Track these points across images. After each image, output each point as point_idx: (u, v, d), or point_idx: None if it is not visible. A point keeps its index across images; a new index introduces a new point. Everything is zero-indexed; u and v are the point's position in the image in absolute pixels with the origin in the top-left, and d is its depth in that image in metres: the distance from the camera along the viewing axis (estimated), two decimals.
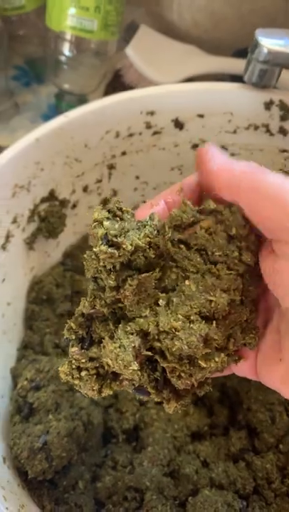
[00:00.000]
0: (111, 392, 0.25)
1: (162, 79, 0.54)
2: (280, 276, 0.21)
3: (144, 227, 0.23)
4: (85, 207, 0.44)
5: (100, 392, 0.24)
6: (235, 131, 0.40)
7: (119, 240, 0.22)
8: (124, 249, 0.22)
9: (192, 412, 0.40)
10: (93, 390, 0.24)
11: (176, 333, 0.23)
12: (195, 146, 0.42)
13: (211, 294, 0.23)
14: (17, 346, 0.42)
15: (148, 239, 0.23)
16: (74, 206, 0.43)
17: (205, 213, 0.23)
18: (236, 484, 0.35)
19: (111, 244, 0.22)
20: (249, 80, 0.38)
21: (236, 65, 0.53)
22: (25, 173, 0.36)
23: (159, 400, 0.25)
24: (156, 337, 0.23)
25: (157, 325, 0.23)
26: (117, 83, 0.57)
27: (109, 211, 0.23)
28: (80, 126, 0.37)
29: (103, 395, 0.25)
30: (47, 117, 0.58)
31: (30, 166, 0.36)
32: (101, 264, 0.23)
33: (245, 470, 0.36)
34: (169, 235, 0.23)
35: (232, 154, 0.42)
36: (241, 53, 0.56)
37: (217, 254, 0.23)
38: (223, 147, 0.42)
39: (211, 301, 0.23)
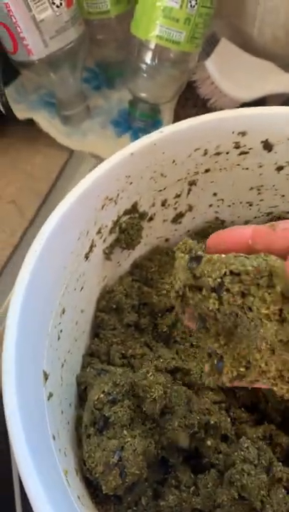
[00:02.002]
0: None
1: (240, 94, 0.53)
2: None
3: None
4: (160, 220, 0.44)
5: None
6: None
7: None
8: None
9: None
10: None
11: None
12: (280, 168, 0.41)
13: None
14: (82, 353, 0.42)
15: None
16: (151, 219, 0.43)
17: None
18: None
19: None
20: None
21: None
22: (116, 186, 0.36)
23: None
24: None
25: None
26: (190, 94, 0.57)
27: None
28: (172, 142, 0.37)
29: None
30: (117, 123, 0.58)
31: (121, 180, 0.36)
32: None
33: None
34: None
35: None
36: None
37: None
38: None
39: None
